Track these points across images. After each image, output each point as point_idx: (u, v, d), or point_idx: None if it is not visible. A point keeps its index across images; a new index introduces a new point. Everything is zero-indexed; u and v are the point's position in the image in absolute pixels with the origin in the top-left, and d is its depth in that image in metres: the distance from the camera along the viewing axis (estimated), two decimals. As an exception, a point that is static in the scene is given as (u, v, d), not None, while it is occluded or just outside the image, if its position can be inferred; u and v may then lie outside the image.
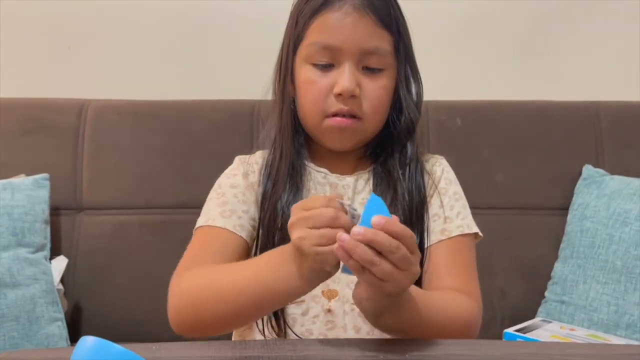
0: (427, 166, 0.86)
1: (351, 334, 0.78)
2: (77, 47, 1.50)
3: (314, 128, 0.82)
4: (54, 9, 1.49)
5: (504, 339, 1.06)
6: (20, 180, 1.21)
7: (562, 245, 1.28)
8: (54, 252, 1.23)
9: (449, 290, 0.77)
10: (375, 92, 0.79)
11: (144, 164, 1.32)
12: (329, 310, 0.78)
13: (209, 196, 0.85)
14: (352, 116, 0.79)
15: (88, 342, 0.48)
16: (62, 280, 1.20)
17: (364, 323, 0.78)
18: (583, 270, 1.21)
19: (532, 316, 1.24)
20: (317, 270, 0.62)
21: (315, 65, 0.79)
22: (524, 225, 1.33)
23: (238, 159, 0.89)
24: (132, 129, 1.33)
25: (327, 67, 0.79)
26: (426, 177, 0.84)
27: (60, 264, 1.20)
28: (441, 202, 0.83)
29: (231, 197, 0.82)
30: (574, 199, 1.29)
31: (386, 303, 0.62)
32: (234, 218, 0.80)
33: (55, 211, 1.26)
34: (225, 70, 1.51)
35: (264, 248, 0.78)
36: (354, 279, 0.78)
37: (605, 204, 1.23)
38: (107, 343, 0.47)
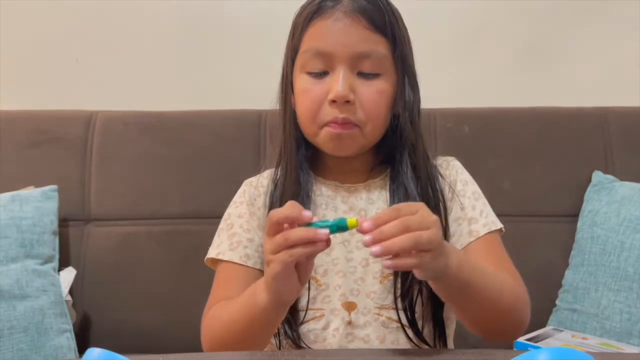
0: (441, 170, 0.86)
1: (375, 345, 0.78)
2: (84, 59, 1.51)
3: (312, 137, 0.82)
4: (62, 23, 1.50)
5: (514, 349, 1.04)
6: (29, 192, 1.22)
7: (572, 252, 1.26)
8: (63, 264, 1.23)
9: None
10: (370, 97, 0.78)
11: (151, 175, 1.32)
12: (350, 322, 0.78)
13: (220, 226, 0.88)
14: (348, 123, 0.78)
15: (94, 354, 0.48)
16: (70, 292, 1.20)
17: (388, 333, 0.78)
18: (594, 278, 1.19)
19: (543, 325, 1.22)
20: (268, 269, 0.63)
21: (309, 73, 0.79)
22: (533, 232, 1.31)
23: (245, 185, 0.90)
24: (139, 140, 1.33)
25: (321, 75, 0.78)
26: (442, 182, 0.84)
27: (68, 275, 1.20)
28: (461, 204, 0.83)
29: (237, 228, 0.84)
30: (583, 205, 1.28)
31: (441, 266, 0.63)
32: (240, 249, 0.82)
33: (63, 222, 1.26)
34: (232, 80, 1.52)
35: None
36: (374, 289, 0.79)
37: (615, 210, 1.22)
38: (114, 355, 0.47)
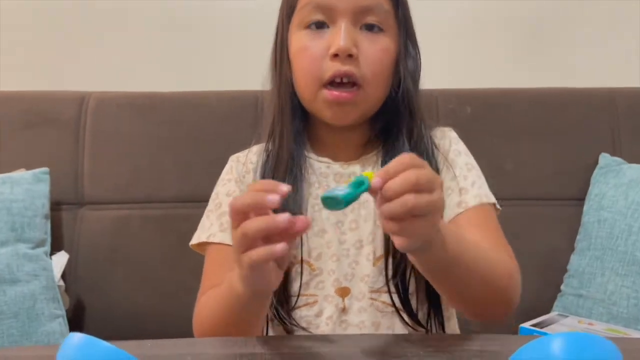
0: (435, 140, 0.81)
1: (370, 331, 0.74)
2: (77, 39, 1.47)
3: (311, 102, 0.76)
4: (54, 2, 1.46)
5: (519, 334, 1.02)
6: (20, 174, 1.18)
7: (578, 236, 1.23)
8: (55, 248, 1.20)
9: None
10: (375, 53, 0.74)
11: (146, 157, 1.28)
12: (343, 309, 0.75)
13: (208, 207, 0.83)
14: (351, 83, 0.73)
15: (75, 339, 0.45)
16: (63, 277, 1.18)
17: (382, 318, 0.75)
18: (601, 263, 1.16)
19: (548, 311, 1.20)
20: (238, 269, 0.60)
21: (308, 27, 0.74)
22: (537, 216, 1.28)
23: (232, 160, 0.86)
24: (133, 122, 1.30)
25: (321, 28, 0.74)
26: (436, 152, 0.79)
27: (61, 259, 1.17)
28: (453, 174, 0.78)
29: (227, 207, 0.79)
30: (590, 188, 1.25)
31: (431, 236, 0.57)
32: (230, 229, 0.78)
33: (56, 206, 1.23)
34: (228, 60, 1.48)
35: None
36: (368, 272, 0.75)
37: (623, 193, 1.18)
38: (95, 340, 0.44)
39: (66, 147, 1.28)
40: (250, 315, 0.66)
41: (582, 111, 1.32)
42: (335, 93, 0.73)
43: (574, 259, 1.22)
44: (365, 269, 0.76)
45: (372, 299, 0.75)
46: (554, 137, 1.30)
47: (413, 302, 0.74)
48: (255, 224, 0.54)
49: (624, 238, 1.15)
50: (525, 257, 1.25)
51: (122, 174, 1.28)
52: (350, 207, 0.80)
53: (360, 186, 0.53)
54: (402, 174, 0.52)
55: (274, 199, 0.54)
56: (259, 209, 0.55)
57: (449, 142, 0.81)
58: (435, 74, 1.40)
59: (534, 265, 1.26)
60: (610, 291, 1.13)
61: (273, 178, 0.76)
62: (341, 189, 0.53)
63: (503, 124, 1.31)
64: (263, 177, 0.78)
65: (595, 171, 1.26)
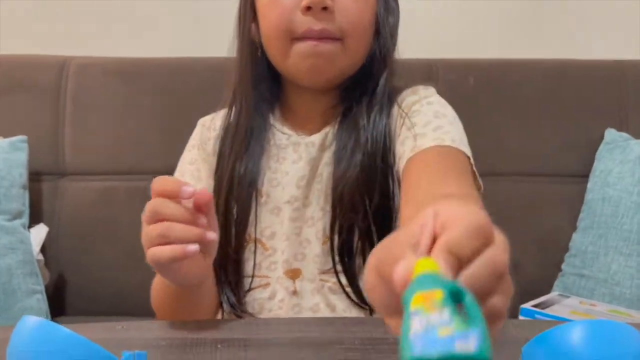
0: (400, 96, 0.73)
1: (325, 314, 0.69)
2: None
3: (282, 60, 0.69)
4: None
5: (520, 315, 0.98)
6: (-4, 142, 1.12)
7: (581, 214, 1.18)
8: (35, 220, 1.15)
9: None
10: (352, 4, 0.67)
11: (131, 126, 1.22)
12: (294, 292, 0.70)
13: (175, 174, 0.78)
14: (328, 39, 0.66)
15: (29, 322, 0.40)
16: (43, 251, 1.13)
17: (338, 300, 0.69)
18: (604, 241, 1.12)
19: (548, 291, 1.15)
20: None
21: None
22: (539, 193, 1.23)
23: (198, 124, 0.81)
24: (118, 89, 1.23)
25: None
26: (395, 110, 0.71)
27: (39, 232, 1.11)
28: (412, 123, 0.68)
29: (188, 177, 0.76)
30: (595, 165, 1.20)
31: None
32: None
33: (35, 176, 1.17)
34: (218, 26, 1.40)
35: (219, 217, 0.69)
36: (317, 252, 0.69)
37: (630, 170, 1.13)
38: (52, 325, 0.39)
39: (45, 115, 1.21)
40: (189, 303, 0.63)
41: (588, 84, 1.26)
42: (309, 42, 0.66)
43: (576, 238, 1.17)
44: (316, 248, 0.71)
45: (322, 280, 0.70)
46: (558, 110, 1.25)
47: (361, 281, 0.69)
48: (182, 233, 0.51)
49: (629, 216, 1.10)
50: (525, 234, 1.23)
51: (106, 143, 1.22)
52: (304, 181, 0.73)
53: (458, 298, 0.28)
54: (480, 261, 0.31)
55: (203, 220, 0.52)
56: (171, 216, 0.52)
57: (417, 97, 0.72)
58: (437, 43, 1.35)
59: (534, 243, 1.22)
60: (614, 271, 1.09)
61: (232, 149, 0.72)
62: (445, 331, 0.26)
63: (506, 96, 1.26)
64: (222, 147, 0.74)
65: (601, 147, 1.20)
